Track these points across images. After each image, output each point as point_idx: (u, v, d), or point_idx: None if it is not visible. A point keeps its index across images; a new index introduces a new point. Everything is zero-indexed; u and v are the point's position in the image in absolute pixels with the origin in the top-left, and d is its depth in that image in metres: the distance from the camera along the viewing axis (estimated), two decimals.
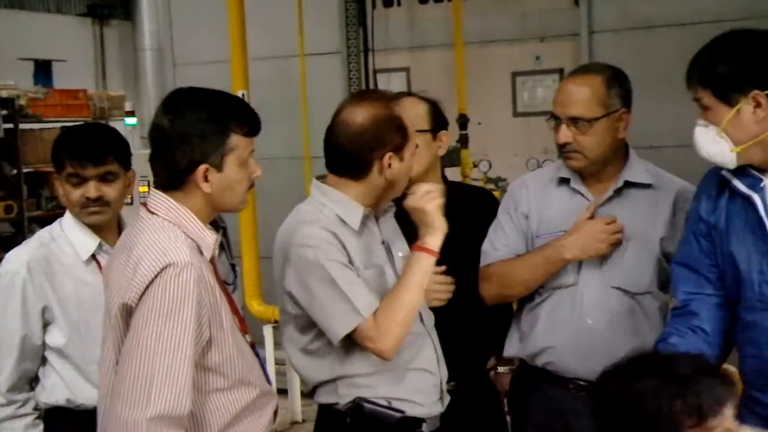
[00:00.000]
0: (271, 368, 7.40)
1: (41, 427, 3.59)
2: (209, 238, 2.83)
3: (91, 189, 3.52)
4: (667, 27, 7.58)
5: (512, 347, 3.69)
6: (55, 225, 3.69)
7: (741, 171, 2.94)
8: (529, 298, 3.60)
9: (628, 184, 3.51)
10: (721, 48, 2.92)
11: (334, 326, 3.14)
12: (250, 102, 7.25)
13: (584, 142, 3.44)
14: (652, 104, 3.51)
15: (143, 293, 2.65)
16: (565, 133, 3.45)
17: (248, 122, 2.87)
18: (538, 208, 3.62)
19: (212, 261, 2.90)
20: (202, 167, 2.76)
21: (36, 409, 3.60)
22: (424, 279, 3.17)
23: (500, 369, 4.05)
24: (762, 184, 2.91)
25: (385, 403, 3.23)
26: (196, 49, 9.46)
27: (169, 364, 2.61)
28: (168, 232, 2.75)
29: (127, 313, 2.69)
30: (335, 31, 8.88)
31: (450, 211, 3.40)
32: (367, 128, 3.21)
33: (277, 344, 7.27)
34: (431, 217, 3.19)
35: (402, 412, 3.23)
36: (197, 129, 2.76)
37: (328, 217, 3.22)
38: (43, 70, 9.51)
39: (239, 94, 7.21)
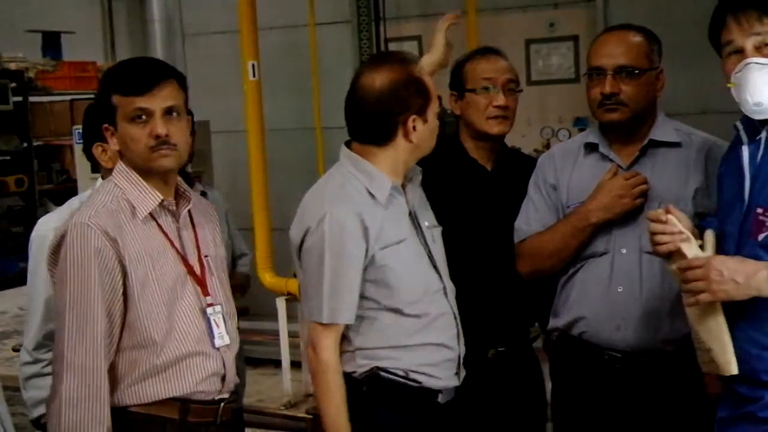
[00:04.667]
0: (284, 341, 7.38)
1: None
2: (150, 199, 3.02)
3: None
4: None
5: (552, 318, 3.67)
6: (87, 192, 3.82)
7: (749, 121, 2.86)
8: (564, 270, 3.57)
9: (656, 144, 3.46)
10: None
11: (307, 308, 3.25)
12: (259, 72, 7.19)
13: (631, 92, 3.40)
14: (669, 71, 3.44)
15: (53, 253, 2.99)
16: (612, 83, 3.40)
17: (123, 82, 3.02)
18: (565, 177, 3.58)
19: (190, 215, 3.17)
20: (103, 127, 3.06)
21: None
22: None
23: None
24: (759, 136, 2.83)
25: (402, 374, 3.24)
26: (205, 19, 9.38)
27: (79, 317, 2.91)
28: (101, 194, 3.03)
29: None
30: (345, 0, 8.79)
31: (495, 177, 3.83)
32: (388, 92, 3.19)
33: (291, 317, 7.24)
34: None
35: (419, 383, 3.25)
36: (97, 99, 3.13)
37: (357, 190, 3.21)
38: (51, 42, 9.48)
39: (249, 65, 7.15)
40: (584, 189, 3.49)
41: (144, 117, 2.97)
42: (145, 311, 2.96)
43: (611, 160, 3.50)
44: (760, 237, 2.75)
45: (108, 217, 2.94)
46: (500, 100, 3.79)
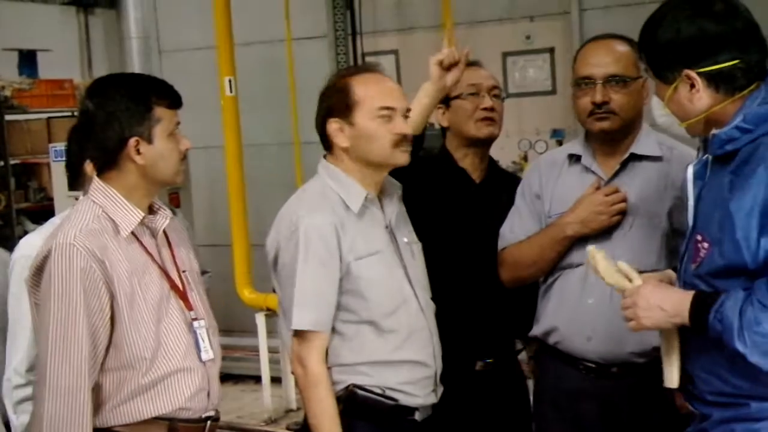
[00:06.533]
0: (264, 357, 7.37)
1: None
2: (133, 217, 2.99)
3: None
4: (658, 3, 7.50)
5: (534, 325, 3.66)
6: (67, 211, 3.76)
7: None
8: (544, 279, 3.59)
9: (637, 157, 3.46)
10: (658, 19, 2.76)
11: (286, 321, 3.23)
12: (237, 88, 7.20)
13: (621, 101, 3.40)
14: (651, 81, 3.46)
15: (35, 273, 2.93)
16: (603, 92, 3.39)
17: (168, 95, 3.04)
18: (549, 187, 3.58)
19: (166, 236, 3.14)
20: (133, 140, 2.95)
21: None
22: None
23: None
24: (705, 156, 2.79)
25: (378, 391, 3.22)
26: (182, 36, 9.39)
27: (62, 339, 2.85)
28: (81, 213, 2.97)
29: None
30: (322, 15, 8.80)
31: (483, 189, 3.77)
32: (320, 101, 3.31)
33: (270, 332, 7.24)
34: None
35: (395, 400, 3.24)
36: (122, 105, 2.96)
37: (332, 200, 3.24)
38: (27, 60, 9.43)
39: (226, 80, 7.16)
40: (566, 200, 3.50)
41: (176, 131, 3.04)
42: (133, 330, 2.93)
43: (593, 172, 3.51)
44: (693, 266, 2.73)
45: (92, 238, 2.91)
46: (486, 102, 3.81)
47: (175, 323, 3.03)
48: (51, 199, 8.19)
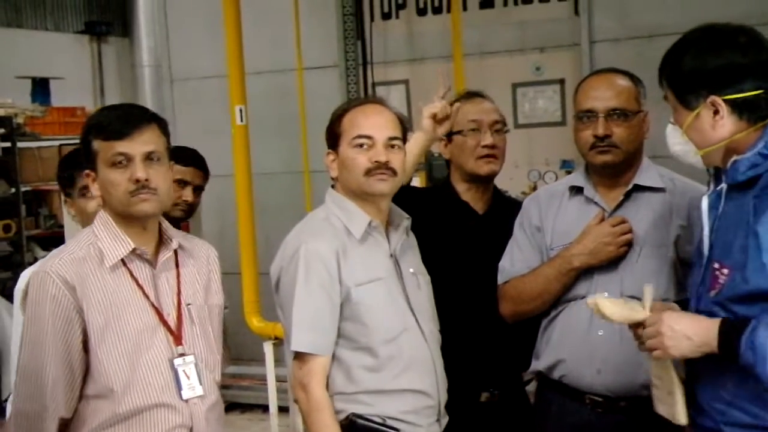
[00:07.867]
0: (271, 386, 7.35)
1: None
2: (121, 247, 2.99)
3: None
4: (667, 36, 7.43)
5: (533, 360, 3.65)
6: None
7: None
8: (546, 312, 3.56)
9: (640, 188, 3.47)
10: (684, 47, 2.82)
11: (289, 339, 3.23)
12: (248, 117, 7.21)
13: (623, 134, 3.42)
14: (653, 114, 3.47)
15: (22, 300, 3.03)
16: (605, 126, 3.41)
17: (103, 129, 3.01)
18: (550, 220, 3.58)
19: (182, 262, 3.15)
20: (85, 173, 3.07)
21: None
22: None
23: None
24: (721, 186, 2.82)
25: (379, 421, 3.22)
26: (194, 64, 9.43)
27: (31, 364, 2.91)
28: (75, 241, 3.04)
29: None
30: (333, 45, 8.84)
31: (487, 221, 3.80)
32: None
33: (278, 361, 7.21)
34: None
35: (397, 430, 3.23)
36: (82, 144, 3.07)
37: (336, 226, 3.27)
38: (40, 88, 9.47)
39: (237, 109, 7.17)
40: (568, 232, 3.50)
41: (124, 162, 2.96)
42: (104, 360, 2.91)
43: (596, 204, 3.50)
44: (712, 293, 2.73)
45: (72, 265, 2.92)
46: (488, 139, 3.81)
47: (155, 357, 2.99)
48: (61, 226, 8.21)
